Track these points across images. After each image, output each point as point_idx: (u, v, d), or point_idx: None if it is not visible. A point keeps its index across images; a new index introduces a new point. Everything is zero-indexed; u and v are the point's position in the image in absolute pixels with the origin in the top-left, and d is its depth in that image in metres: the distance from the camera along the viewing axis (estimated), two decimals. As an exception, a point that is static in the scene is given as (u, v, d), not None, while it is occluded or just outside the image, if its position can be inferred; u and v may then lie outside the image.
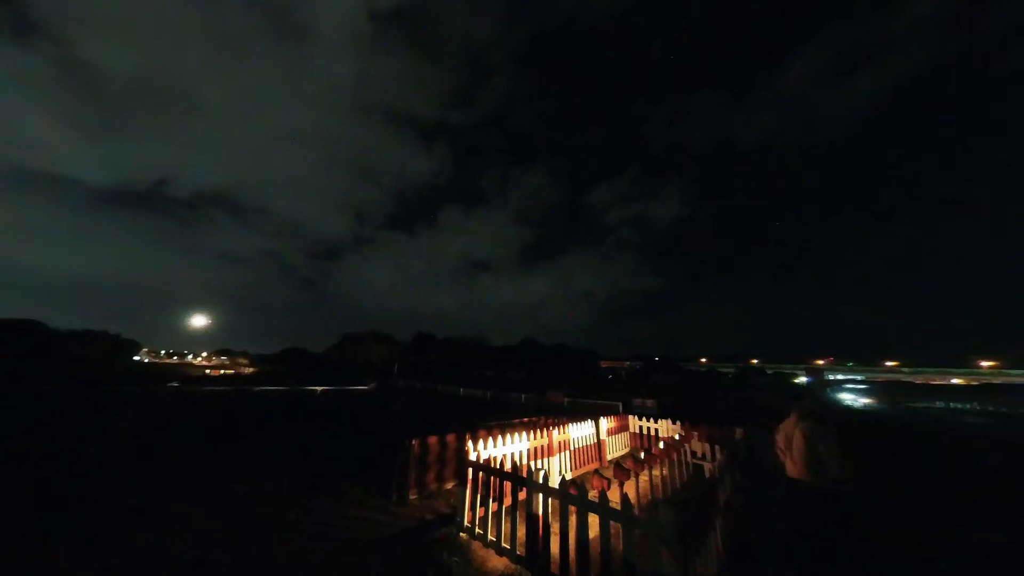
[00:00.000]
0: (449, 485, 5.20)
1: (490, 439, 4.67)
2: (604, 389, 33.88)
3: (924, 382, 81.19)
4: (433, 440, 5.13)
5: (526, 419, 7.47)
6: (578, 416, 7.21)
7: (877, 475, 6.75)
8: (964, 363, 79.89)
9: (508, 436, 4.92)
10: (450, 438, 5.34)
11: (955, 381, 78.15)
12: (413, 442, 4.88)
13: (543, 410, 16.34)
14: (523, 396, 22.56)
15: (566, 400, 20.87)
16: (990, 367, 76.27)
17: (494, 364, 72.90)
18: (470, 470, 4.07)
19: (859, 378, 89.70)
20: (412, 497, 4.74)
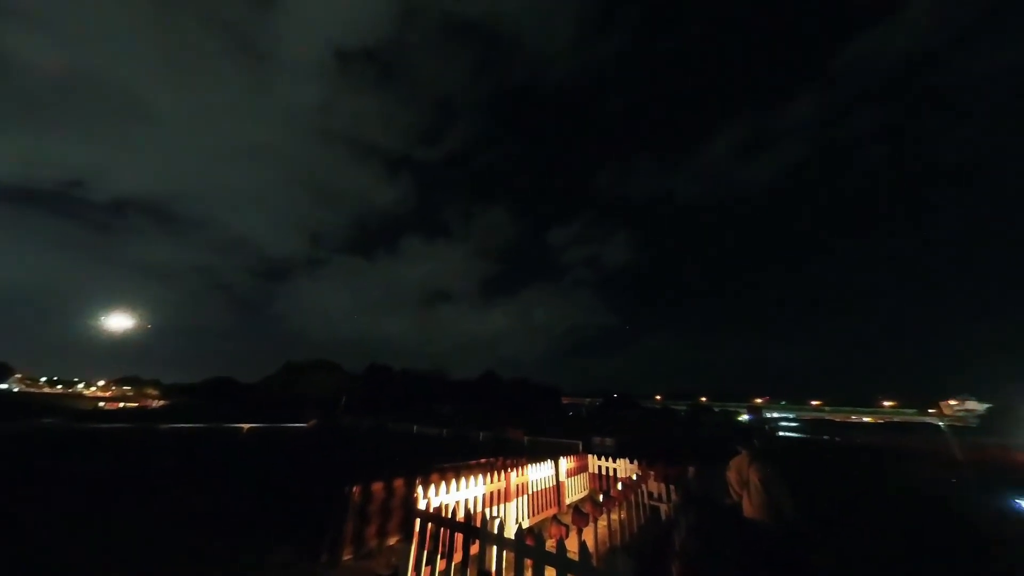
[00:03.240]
0: (392, 540, 4.61)
1: (443, 484, 4.29)
2: (565, 426, 33.43)
3: (843, 419, 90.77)
4: (378, 487, 4.58)
5: (483, 460, 7.04)
6: (538, 456, 6.95)
7: (827, 514, 6.85)
8: (871, 403, 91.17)
9: (463, 480, 4.56)
10: (397, 484, 4.80)
11: (866, 419, 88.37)
12: (354, 489, 4.32)
13: (502, 449, 15.59)
14: (482, 434, 21.48)
15: (526, 438, 20.18)
16: (890, 406, 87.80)
17: (453, 398, 69.35)
18: (418, 521, 3.68)
19: (791, 416, 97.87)
20: (346, 557, 4.11)
